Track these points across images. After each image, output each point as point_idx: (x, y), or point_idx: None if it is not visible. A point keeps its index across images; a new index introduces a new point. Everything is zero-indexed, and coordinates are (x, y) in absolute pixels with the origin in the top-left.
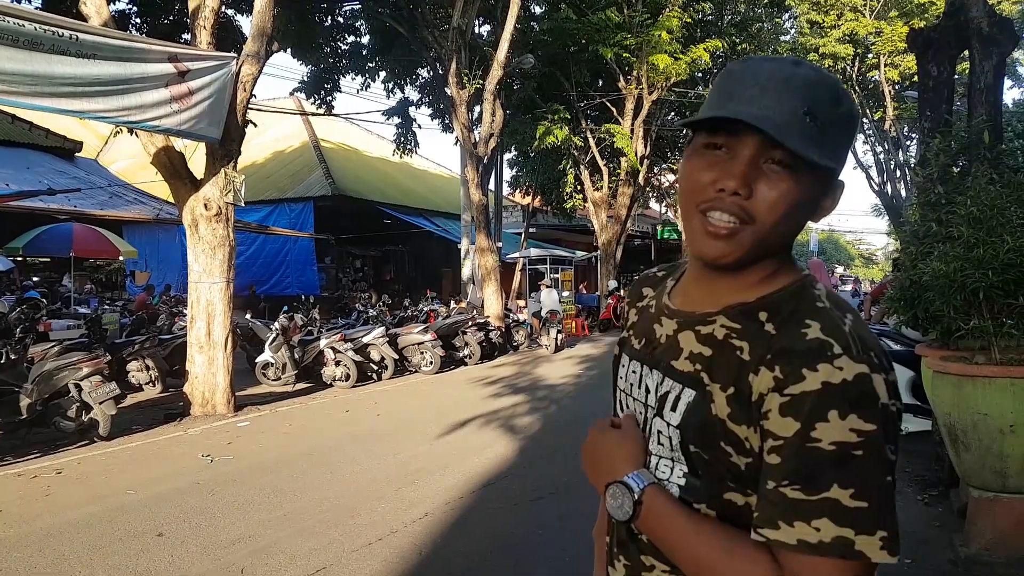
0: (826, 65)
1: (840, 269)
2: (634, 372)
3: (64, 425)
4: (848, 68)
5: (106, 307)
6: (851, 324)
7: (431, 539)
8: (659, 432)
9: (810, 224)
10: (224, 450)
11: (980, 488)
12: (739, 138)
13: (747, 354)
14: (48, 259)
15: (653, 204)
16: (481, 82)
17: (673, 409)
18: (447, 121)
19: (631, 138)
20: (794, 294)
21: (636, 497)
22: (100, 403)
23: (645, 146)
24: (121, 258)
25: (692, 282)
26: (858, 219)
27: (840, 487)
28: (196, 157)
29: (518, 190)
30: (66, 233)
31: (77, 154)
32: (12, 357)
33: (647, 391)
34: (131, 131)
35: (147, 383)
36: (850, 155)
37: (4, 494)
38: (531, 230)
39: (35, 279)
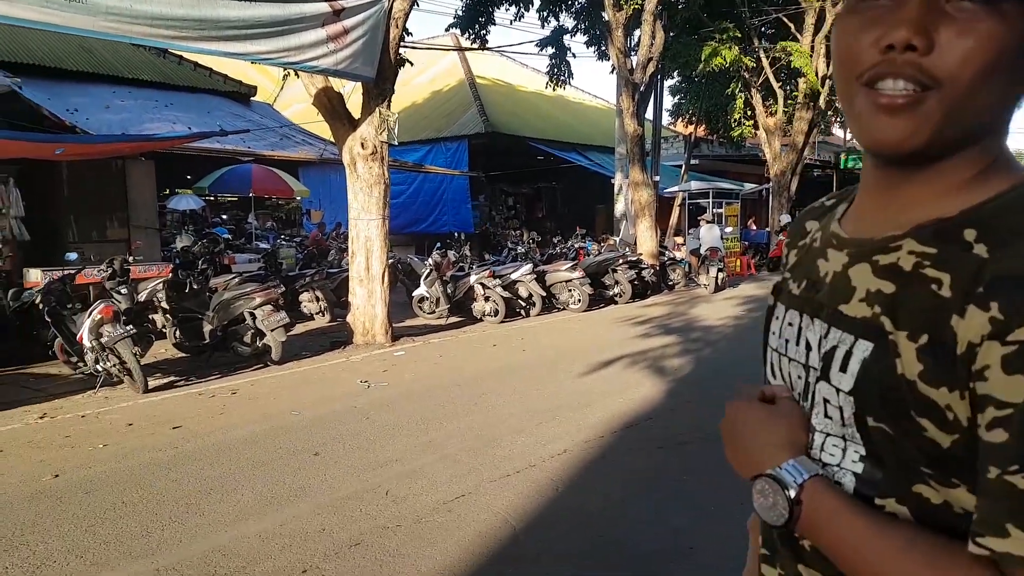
0: None
1: None
2: (790, 324)
3: (241, 350)
4: None
5: (283, 243)
6: None
7: (568, 476)
8: (826, 401)
9: None
10: (380, 377)
11: None
12: None
13: (947, 288)
14: (235, 198)
15: (836, 130)
16: (640, 2)
17: (843, 369)
18: (603, 48)
19: (811, 56)
20: (1018, 202)
21: (793, 495)
22: (272, 330)
23: (827, 65)
24: (297, 197)
25: (868, 198)
26: None
27: None
28: (355, 98)
29: (680, 119)
30: (246, 173)
31: (252, 98)
32: (195, 287)
33: (807, 348)
34: (296, 73)
35: (317, 313)
36: None
37: (186, 411)
38: (693, 162)
39: (223, 217)
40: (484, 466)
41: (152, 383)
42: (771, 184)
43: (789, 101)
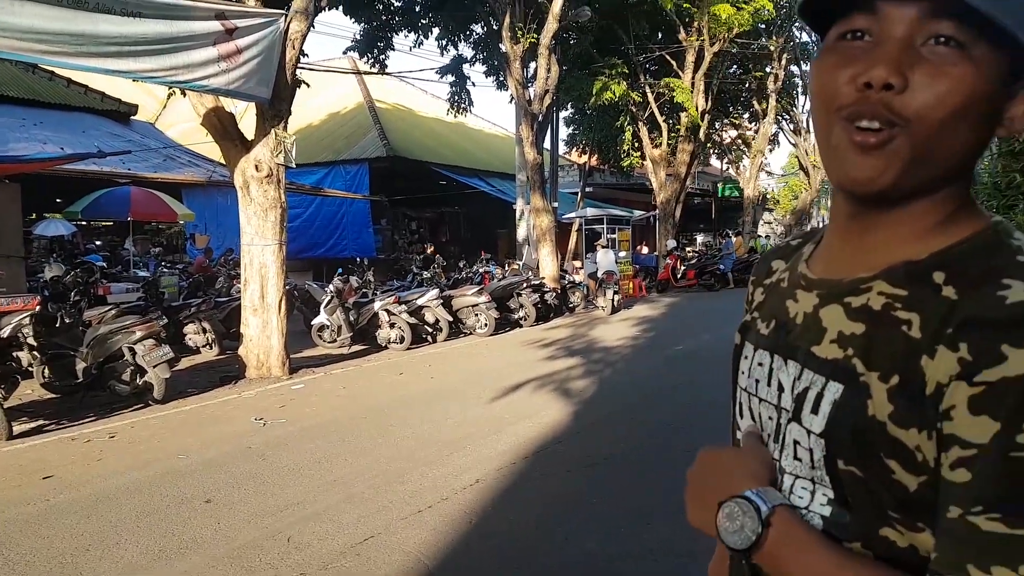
0: None
1: None
2: (760, 365)
3: (119, 388)
4: None
5: (164, 270)
6: None
7: (482, 507)
8: (796, 443)
9: None
10: (277, 413)
11: None
12: (886, 15)
13: (916, 329)
14: (110, 223)
15: (714, 161)
16: (536, 36)
17: (815, 411)
18: (502, 78)
19: (692, 92)
20: (985, 246)
21: (763, 517)
22: (154, 366)
23: (706, 100)
24: (180, 221)
25: (837, 240)
26: None
27: None
28: (247, 118)
29: (574, 148)
30: (123, 197)
31: (133, 117)
32: (67, 321)
33: (779, 389)
34: (182, 92)
35: (204, 346)
36: None
37: (58, 458)
38: (588, 189)
39: (97, 243)
40: (394, 504)
41: (17, 428)
42: (658, 211)
43: (672, 134)
